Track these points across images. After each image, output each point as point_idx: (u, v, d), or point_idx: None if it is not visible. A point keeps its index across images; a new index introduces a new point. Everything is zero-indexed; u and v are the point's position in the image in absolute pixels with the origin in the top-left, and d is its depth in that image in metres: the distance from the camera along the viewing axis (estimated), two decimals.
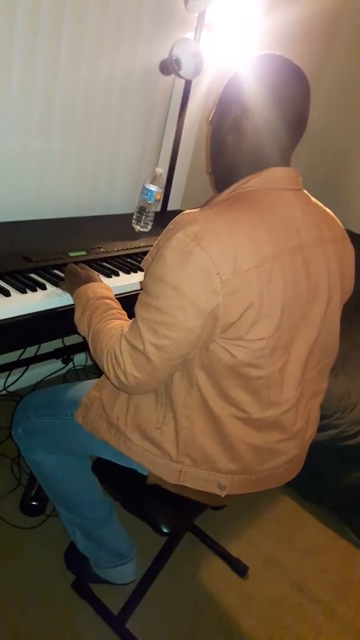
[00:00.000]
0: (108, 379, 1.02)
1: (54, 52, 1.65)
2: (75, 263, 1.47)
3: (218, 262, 0.88)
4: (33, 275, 1.38)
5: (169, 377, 1.03)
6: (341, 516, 2.02)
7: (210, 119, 1.10)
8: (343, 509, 2.01)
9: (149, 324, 0.93)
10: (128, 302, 1.17)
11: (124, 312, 1.14)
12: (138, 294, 1.00)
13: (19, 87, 1.62)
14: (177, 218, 0.94)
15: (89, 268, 1.36)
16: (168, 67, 1.85)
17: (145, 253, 1.69)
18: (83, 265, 1.38)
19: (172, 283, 0.90)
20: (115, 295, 1.22)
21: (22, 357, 1.98)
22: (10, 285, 1.30)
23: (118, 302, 1.18)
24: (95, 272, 1.33)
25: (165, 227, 0.97)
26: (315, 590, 1.76)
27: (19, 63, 1.59)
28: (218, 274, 0.88)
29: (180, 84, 2.05)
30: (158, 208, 2.01)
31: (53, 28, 1.62)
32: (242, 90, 1.00)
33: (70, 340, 2.06)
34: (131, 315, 1.02)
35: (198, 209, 0.95)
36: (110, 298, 1.17)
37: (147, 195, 1.84)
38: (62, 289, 1.33)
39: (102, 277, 1.48)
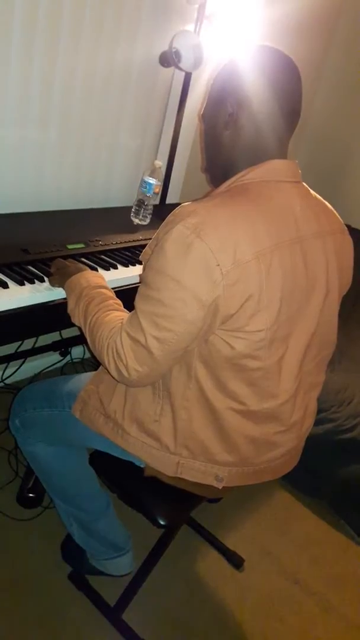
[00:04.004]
0: (108, 371, 1.02)
1: (52, 43, 1.64)
2: (73, 256, 1.47)
3: (218, 253, 0.88)
4: (31, 268, 1.38)
5: (169, 370, 1.03)
6: (337, 509, 2.03)
7: (201, 114, 1.09)
8: (339, 502, 2.02)
9: (150, 316, 0.93)
10: (126, 295, 1.17)
11: (120, 302, 1.13)
12: (136, 287, 0.99)
13: (17, 78, 1.61)
14: (177, 210, 0.94)
15: (76, 262, 1.35)
16: (168, 59, 1.84)
17: (143, 246, 1.68)
18: (71, 260, 1.37)
19: (173, 275, 0.90)
20: (113, 288, 1.21)
21: (19, 350, 1.97)
22: (8, 277, 1.29)
23: (112, 291, 1.16)
24: (84, 265, 1.32)
25: (164, 220, 0.96)
26: (310, 582, 1.77)
27: (18, 54, 1.58)
28: (218, 265, 0.88)
29: (180, 77, 2.04)
30: (157, 201, 2.00)
31: (52, 19, 1.60)
32: (236, 83, 0.99)
33: (68, 332, 2.05)
34: (127, 305, 1.01)
35: (197, 201, 0.95)
36: (104, 287, 1.16)
37: (146, 188, 1.84)
38: (52, 283, 1.30)
39: (100, 270, 1.48)
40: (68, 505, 1.44)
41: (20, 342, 1.95)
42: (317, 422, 1.86)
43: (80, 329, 1.11)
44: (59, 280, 1.26)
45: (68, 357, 2.38)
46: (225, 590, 1.67)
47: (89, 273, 1.22)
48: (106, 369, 1.02)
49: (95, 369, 1.25)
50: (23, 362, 2.11)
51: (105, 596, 1.53)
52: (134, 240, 1.73)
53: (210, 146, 1.08)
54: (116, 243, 1.66)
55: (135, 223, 1.90)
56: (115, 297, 1.14)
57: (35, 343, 2.03)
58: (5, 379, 2.11)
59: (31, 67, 1.63)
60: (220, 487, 1.12)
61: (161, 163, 1.86)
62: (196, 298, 0.90)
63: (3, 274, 1.31)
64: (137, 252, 1.67)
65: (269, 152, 1.00)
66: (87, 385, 1.22)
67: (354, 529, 1.98)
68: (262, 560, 1.81)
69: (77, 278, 1.19)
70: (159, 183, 1.86)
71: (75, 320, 1.12)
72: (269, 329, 0.96)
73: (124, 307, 1.12)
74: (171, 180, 2.21)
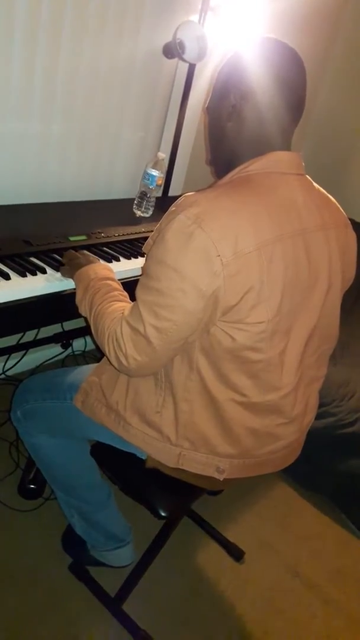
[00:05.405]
0: (109, 361, 1.03)
1: (55, 35, 1.63)
2: (75, 248, 1.47)
3: (219, 244, 0.88)
4: (33, 259, 1.38)
5: (169, 361, 1.03)
6: (337, 503, 2.04)
7: (206, 106, 1.09)
8: (339, 496, 2.02)
9: (150, 306, 0.93)
10: (128, 287, 1.17)
11: (126, 294, 1.13)
12: (138, 279, 0.99)
13: (20, 70, 1.60)
14: (179, 200, 0.94)
15: (89, 253, 1.36)
16: (172, 50, 1.82)
17: (146, 238, 1.68)
18: (83, 251, 1.38)
19: (173, 265, 0.90)
20: None
21: (21, 341, 1.98)
22: (10, 269, 1.29)
23: (119, 283, 1.17)
24: (95, 257, 1.33)
25: (166, 212, 0.96)
26: (310, 575, 1.77)
27: (21, 46, 1.57)
28: (219, 256, 0.88)
29: (183, 68, 2.03)
30: (159, 193, 2.00)
31: (55, 11, 1.59)
32: (240, 75, 0.99)
33: (70, 325, 2.06)
34: (131, 298, 1.02)
35: (200, 192, 0.94)
36: (111, 279, 1.17)
37: (148, 180, 1.83)
38: (63, 274, 1.32)
39: (102, 262, 1.47)
40: (69, 496, 1.45)
41: (21, 334, 1.95)
42: (319, 416, 1.85)
43: (86, 319, 1.12)
44: (69, 271, 1.28)
45: (69, 350, 2.38)
46: (225, 582, 1.68)
47: (98, 265, 1.23)
48: (107, 358, 1.03)
49: (97, 361, 1.25)
50: (24, 354, 2.11)
51: (105, 587, 1.54)
52: (136, 233, 1.72)
53: (214, 138, 1.08)
54: (118, 235, 1.66)
55: (137, 215, 1.89)
56: (121, 289, 1.15)
57: (36, 335, 2.03)
58: (7, 370, 2.11)
59: (34, 59, 1.62)
60: (221, 479, 1.13)
61: (164, 155, 1.85)
62: (196, 288, 0.89)
63: (5, 265, 1.31)
64: (139, 244, 1.67)
65: (273, 144, 1.00)
66: (89, 376, 1.22)
67: (354, 523, 1.99)
68: (262, 552, 1.81)
69: (86, 270, 1.20)
70: (162, 175, 1.85)
71: (82, 311, 1.14)
72: (270, 321, 0.96)
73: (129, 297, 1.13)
74: (174, 173, 2.21)
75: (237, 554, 1.77)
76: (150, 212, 1.90)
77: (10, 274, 1.27)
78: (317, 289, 1.04)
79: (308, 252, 1.00)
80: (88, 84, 1.81)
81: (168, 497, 1.25)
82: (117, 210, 1.95)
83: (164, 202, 1.91)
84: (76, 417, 1.23)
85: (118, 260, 1.53)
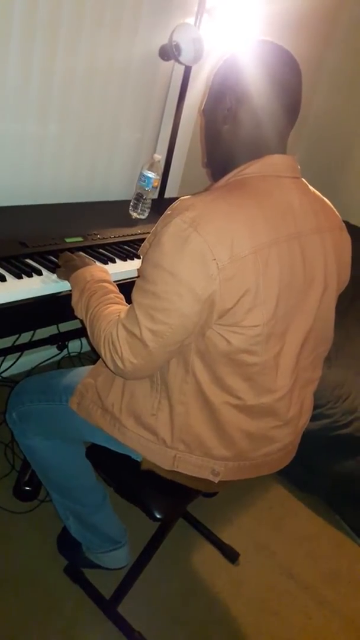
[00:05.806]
0: (105, 363, 1.03)
1: (52, 36, 1.63)
2: (71, 250, 1.47)
3: (214, 247, 0.88)
4: (29, 261, 1.38)
5: (165, 363, 1.03)
6: (332, 505, 2.04)
7: (202, 109, 1.09)
8: (334, 497, 2.03)
9: (146, 309, 0.93)
10: (124, 289, 1.17)
11: (122, 296, 1.14)
12: (134, 281, 1.00)
13: (17, 72, 1.60)
14: (175, 204, 0.94)
15: (85, 255, 1.35)
16: (168, 52, 1.83)
17: (141, 240, 1.69)
18: (79, 253, 1.38)
19: (169, 269, 0.90)
20: None
21: (16, 343, 1.97)
22: (6, 271, 1.29)
23: (115, 285, 1.17)
24: (91, 259, 1.33)
25: (162, 214, 0.96)
26: (305, 576, 1.78)
27: (17, 47, 1.57)
28: (214, 259, 0.88)
29: (179, 70, 2.03)
30: (155, 195, 2.00)
31: (52, 11, 1.59)
32: (236, 77, 0.99)
33: (65, 326, 2.05)
34: (127, 299, 1.02)
35: (196, 195, 0.95)
36: (107, 281, 1.17)
37: (144, 182, 1.83)
38: (59, 276, 1.32)
39: (98, 264, 1.47)
40: (64, 498, 1.44)
41: (17, 336, 1.95)
42: (313, 418, 1.86)
43: (82, 322, 1.12)
44: (65, 273, 1.28)
45: (65, 351, 2.38)
46: (220, 584, 1.68)
47: (94, 267, 1.23)
48: (103, 361, 1.03)
49: (93, 363, 1.25)
50: (20, 356, 2.11)
51: (100, 589, 1.53)
52: (132, 234, 1.72)
53: (210, 141, 1.08)
54: (114, 237, 1.66)
55: (133, 217, 1.89)
56: (117, 291, 1.15)
57: (32, 336, 2.03)
58: (2, 372, 2.10)
59: (31, 60, 1.62)
60: (216, 481, 1.13)
61: (160, 157, 1.86)
62: (192, 292, 0.90)
63: (1, 267, 1.30)
64: (135, 246, 1.67)
65: (269, 147, 1.00)
66: (85, 378, 1.22)
67: (348, 525, 1.99)
68: (257, 554, 1.82)
69: (82, 272, 1.20)
70: (158, 177, 1.85)
71: (78, 313, 1.14)
72: (266, 324, 0.96)
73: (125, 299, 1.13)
74: (170, 174, 2.21)
75: (232, 555, 1.77)
76: (147, 214, 1.90)
77: (6, 276, 1.27)
78: (312, 291, 1.05)
79: (304, 255, 1.01)
80: (84, 85, 1.81)
81: (163, 499, 1.25)
82: (113, 212, 1.95)
83: (160, 204, 1.92)
84: (72, 419, 1.23)
85: (114, 262, 1.53)
